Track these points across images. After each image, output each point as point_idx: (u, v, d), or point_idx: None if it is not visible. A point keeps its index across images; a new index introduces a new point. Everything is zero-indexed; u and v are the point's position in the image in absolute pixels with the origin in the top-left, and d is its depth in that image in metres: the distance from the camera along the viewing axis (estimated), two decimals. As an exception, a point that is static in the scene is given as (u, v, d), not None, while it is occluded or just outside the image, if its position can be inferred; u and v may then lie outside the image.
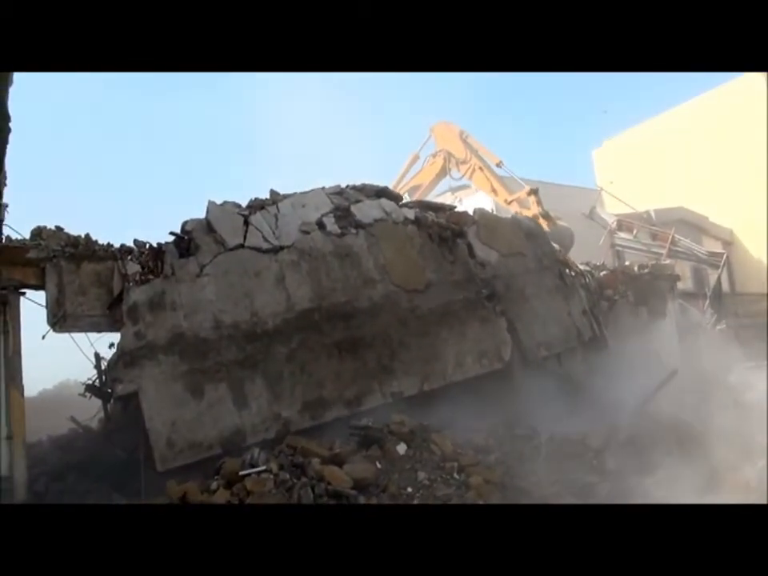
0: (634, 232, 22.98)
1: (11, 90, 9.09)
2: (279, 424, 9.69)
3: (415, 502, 7.89)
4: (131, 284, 9.45)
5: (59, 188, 51.14)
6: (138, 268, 9.64)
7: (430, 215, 12.79)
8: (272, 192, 11.73)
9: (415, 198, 18.27)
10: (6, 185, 9.24)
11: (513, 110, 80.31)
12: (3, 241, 9.13)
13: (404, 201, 13.92)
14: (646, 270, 17.87)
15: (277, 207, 11.17)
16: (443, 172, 19.71)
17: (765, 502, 7.10)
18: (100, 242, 9.78)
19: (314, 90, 53.07)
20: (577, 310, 13.92)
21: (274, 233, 10.79)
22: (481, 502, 7.96)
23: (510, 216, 15.44)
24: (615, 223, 23.10)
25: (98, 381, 10.64)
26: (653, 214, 25.79)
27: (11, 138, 9.09)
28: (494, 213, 15.59)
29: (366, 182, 12.95)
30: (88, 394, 10.76)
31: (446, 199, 19.82)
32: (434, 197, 20.42)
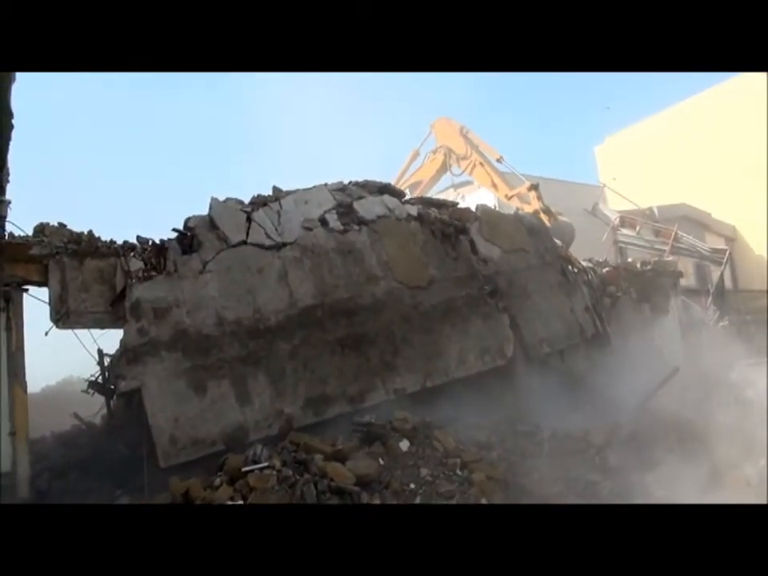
0: (637, 228, 22.97)
1: (14, 87, 9.11)
2: (282, 420, 9.70)
3: (418, 498, 7.90)
4: (134, 281, 9.46)
5: (62, 185, 51.18)
6: (140, 265, 9.65)
7: (433, 212, 12.79)
8: (275, 188, 11.73)
9: (416, 194, 18.27)
10: (8, 181, 9.23)
11: (515, 106, 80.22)
12: (6, 237, 9.13)
13: (406, 197, 13.92)
14: (648, 267, 17.88)
15: (279, 204, 11.18)
16: (444, 168, 19.71)
17: (765, 501, 7.10)
18: (103, 238, 9.80)
19: (314, 89, 53.17)
20: (579, 306, 13.92)
21: (276, 229, 10.79)
22: (483, 499, 7.98)
23: (512, 212, 15.42)
24: (618, 220, 23.09)
25: (101, 377, 10.66)
26: (656, 211, 25.74)
27: (14, 134, 9.11)
28: (497, 209, 15.59)
29: (369, 179, 12.94)
30: (91, 391, 10.79)
31: (449, 195, 19.88)
32: (437, 193, 20.43)
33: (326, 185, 12.12)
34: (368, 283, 11.14)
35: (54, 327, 9.12)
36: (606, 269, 16.89)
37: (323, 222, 11.30)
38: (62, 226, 9.60)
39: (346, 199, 11.93)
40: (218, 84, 78.13)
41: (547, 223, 15.59)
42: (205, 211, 10.48)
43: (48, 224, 9.52)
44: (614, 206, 25.98)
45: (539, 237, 14.11)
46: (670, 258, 20.32)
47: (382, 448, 8.75)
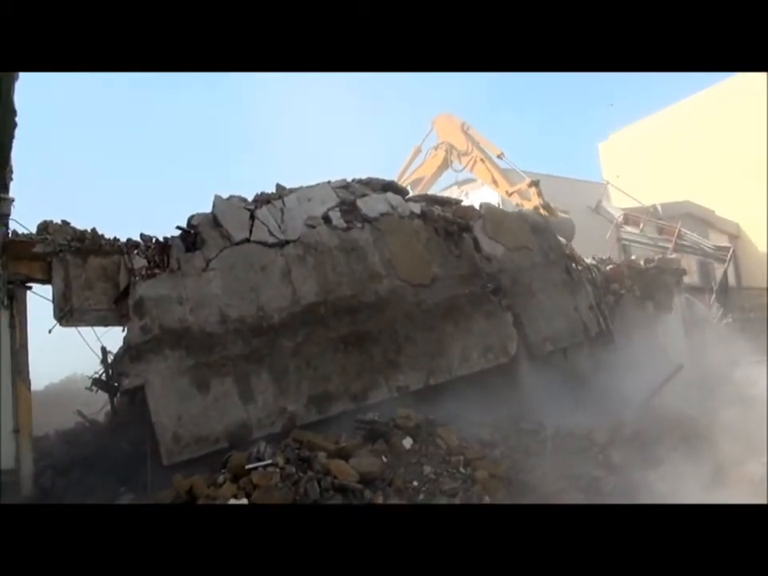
0: (641, 226, 22.89)
1: (17, 85, 9.13)
2: (285, 418, 9.70)
3: (421, 496, 7.90)
4: (137, 278, 9.46)
5: (64, 184, 51.28)
6: (144, 262, 9.66)
7: (436, 209, 12.78)
8: (278, 186, 11.72)
9: (417, 190, 18.28)
10: (11, 179, 9.24)
11: (519, 103, 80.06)
12: (10, 235, 9.15)
13: (410, 195, 13.91)
14: (652, 264, 17.84)
15: (282, 201, 11.17)
16: (445, 164, 19.72)
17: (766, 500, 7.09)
18: (106, 236, 9.80)
19: (314, 89, 53.23)
20: (584, 304, 13.90)
21: (279, 227, 10.79)
22: (486, 497, 7.98)
23: (516, 210, 15.41)
24: (621, 217, 23.02)
25: (104, 375, 10.67)
26: (659, 208, 25.65)
27: (17, 132, 9.12)
28: (500, 207, 15.57)
29: (372, 176, 12.93)
30: (94, 388, 10.80)
31: (453, 193, 19.85)
32: (441, 191, 20.42)
33: (329, 182, 12.11)
34: (371, 281, 11.14)
35: (58, 325, 9.14)
36: (610, 266, 16.86)
37: (326, 219, 11.29)
38: (65, 223, 9.60)
39: (350, 197, 11.92)
40: (218, 84, 78.22)
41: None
42: (208, 209, 10.48)
43: (51, 222, 9.52)
44: (617, 203, 25.90)
45: (543, 235, 14.09)
46: (674, 256, 20.25)
47: (385, 445, 8.76)
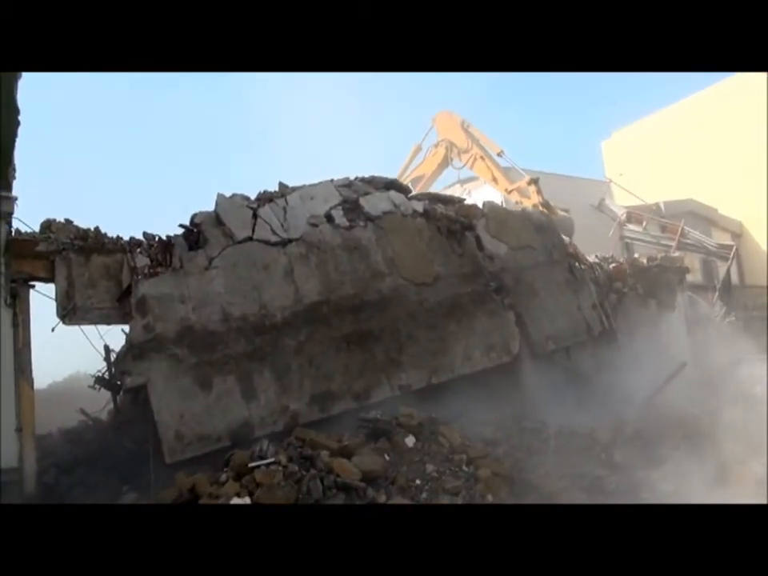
0: (644, 224, 22.84)
1: (20, 84, 9.15)
2: (287, 416, 9.71)
3: (424, 494, 7.91)
4: (140, 277, 9.47)
5: (67, 183, 51.34)
6: (146, 261, 9.66)
7: (439, 208, 12.76)
8: (281, 185, 11.71)
9: (418, 188, 18.27)
10: (15, 177, 9.25)
11: (521, 101, 79.97)
12: (13, 234, 9.15)
13: (412, 193, 13.90)
14: (655, 263, 17.81)
15: (285, 200, 11.16)
16: (445, 162, 19.76)
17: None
18: (109, 234, 9.81)
19: (314, 89, 53.24)
20: (587, 303, 13.89)
21: (282, 225, 10.79)
22: (489, 495, 7.99)
23: (519, 209, 15.39)
24: (624, 215, 22.96)
25: (107, 373, 10.68)
26: (662, 206, 25.63)
27: (20, 130, 9.14)
28: (503, 205, 15.56)
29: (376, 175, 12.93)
30: (97, 387, 10.81)
31: (455, 191, 19.81)
32: (443, 189, 20.44)
33: (332, 181, 12.10)
34: (373, 280, 11.14)
35: (61, 323, 9.16)
36: (613, 265, 16.83)
37: (329, 218, 11.29)
38: (68, 222, 9.62)
39: (352, 195, 11.91)
40: (218, 84, 78.28)
41: (545, 218, 15.54)
42: (210, 208, 10.48)
43: (54, 220, 9.54)
44: (620, 201, 25.84)
45: (546, 234, 14.08)
46: (677, 254, 20.21)
47: (388, 444, 8.77)
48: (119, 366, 9.61)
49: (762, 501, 6.97)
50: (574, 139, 76.38)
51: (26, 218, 9.39)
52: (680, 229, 21.96)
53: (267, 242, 10.52)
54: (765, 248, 29.12)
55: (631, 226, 22.97)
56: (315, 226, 11.04)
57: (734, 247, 23.49)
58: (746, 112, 29.45)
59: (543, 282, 13.24)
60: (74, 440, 11.88)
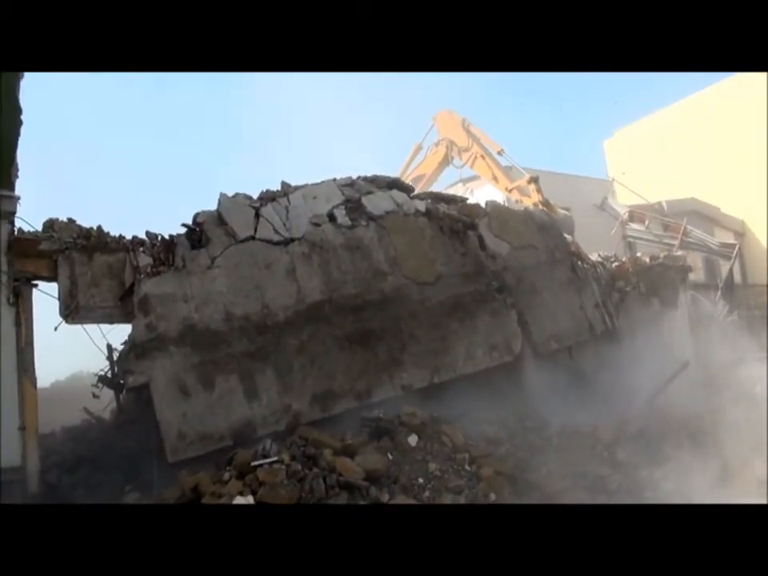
0: (646, 223, 22.81)
1: (22, 83, 9.15)
2: (289, 416, 9.71)
3: (426, 493, 7.92)
4: (143, 276, 9.48)
5: (69, 182, 51.39)
6: (149, 260, 9.67)
7: (442, 207, 12.75)
8: (283, 184, 11.70)
9: (419, 188, 18.26)
10: (17, 177, 9.27)
11: (522, 101, 79.82)
12: (15, 233, 9.16)
13: (415, 192, 13.89)
14: (657, 262, 17.78)
15: (288, 199, 11.16)
16: (446, 160, 19.77)
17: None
18: (112, 233, 9.81)
19: (314, 89, 53.31)
20: (589, 303, 13.88)
21: (284, 225, 10.78)
22: (492, 494, 7.99)
23: (522, 208, 15.38)
24: (627, 214, 22.92)
25: (110, 372, 10.68)
26: (665, 205, 25.61)
27: (22, 130, 9.15)
28: (506, 204, 15.55)
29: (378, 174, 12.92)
30: (100, 386, 10.82)
31: (457, 190, 19.82)
32: (445, 188, 20.44)
33: (334, 180, 12.08)
34: (376, 279, 11.13)
35: (64, 322, 9.16)
36: (615, 263, 16.82)
37: (331, 217, 11.29)
38: (71, 221, 9.62)
39: (355, 194, 11.91)
40: (218, 84, 78.38)
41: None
42: (213, 207, 10.48)
43: (57, 219, 9.55)
44: (622, 200, 25.82)
45: (549, 233, 14.06)
46: (679, 253, 20.16)
47: (390, 443, 8.78)
48: (122, 365, 9.61)
49: (764, 500, 6.96)
50: (577, 139, 76.23)
51: (29, 218, 9.42)
52: (682, 228, 21.91)
53: (269, 242, 10.52)
54: (767, 247, 29.07)
55: (634, 225, 22.94)
56: (318, 225, 11.04)
57: (737, 246, 23.43)
58: (749, 110, 29.37)
59: (545, 282, 13.22)
60: (76, 439, 11.90)
